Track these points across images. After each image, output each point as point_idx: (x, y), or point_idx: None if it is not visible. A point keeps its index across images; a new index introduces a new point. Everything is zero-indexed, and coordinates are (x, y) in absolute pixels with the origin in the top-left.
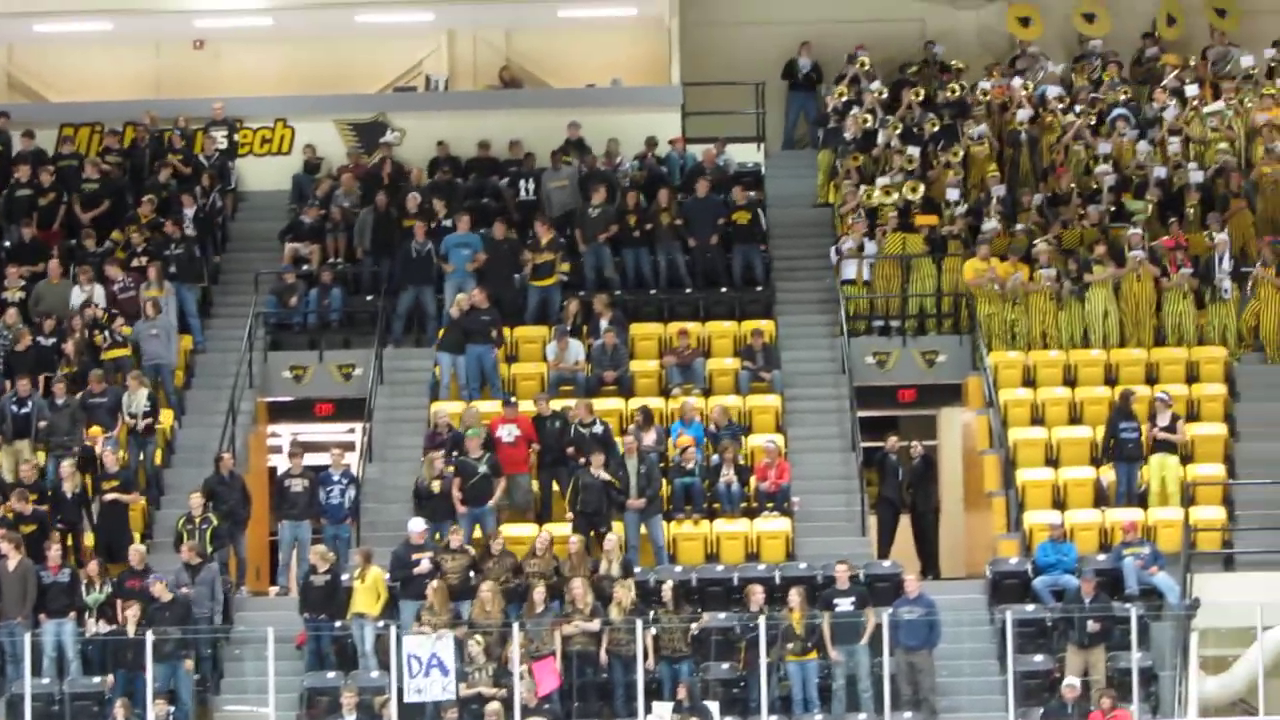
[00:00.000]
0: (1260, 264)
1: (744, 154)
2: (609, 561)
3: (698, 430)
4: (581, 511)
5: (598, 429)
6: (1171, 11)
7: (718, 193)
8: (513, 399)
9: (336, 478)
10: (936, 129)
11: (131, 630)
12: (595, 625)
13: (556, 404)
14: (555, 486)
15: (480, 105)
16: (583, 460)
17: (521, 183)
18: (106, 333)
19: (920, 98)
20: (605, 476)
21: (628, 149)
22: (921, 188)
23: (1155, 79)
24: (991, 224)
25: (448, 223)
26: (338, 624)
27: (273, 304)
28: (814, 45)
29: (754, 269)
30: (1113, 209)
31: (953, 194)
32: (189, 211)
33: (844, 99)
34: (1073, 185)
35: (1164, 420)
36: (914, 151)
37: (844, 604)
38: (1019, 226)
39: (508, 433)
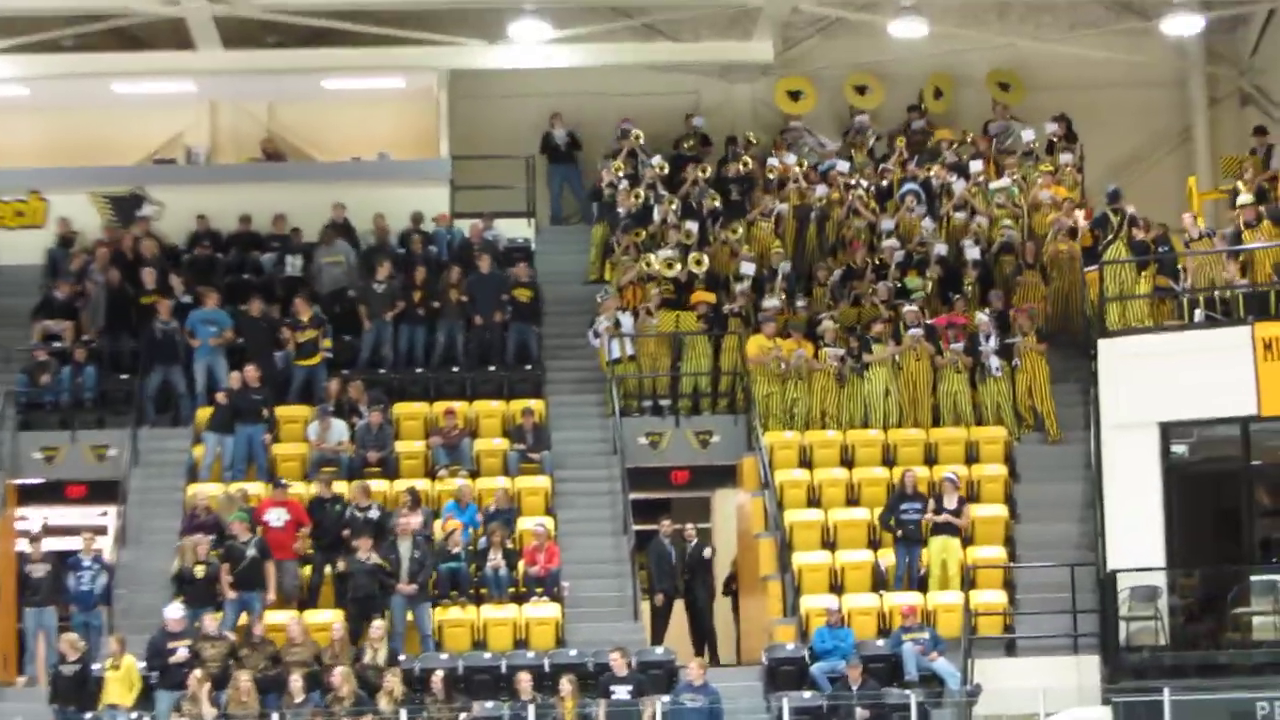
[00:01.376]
0: (1020, 334)
1: (515, 229)
2: (374, 650)
3: (472, 515)
4: (353, 599)
5: (373, 513)
6: (939, 85)
7: (501, 269)
8: (283, 481)
9: (87, 563)
10: (716, 204)
11: None
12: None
13: (337, 487)
14: (328, 570)
15: (242, 178)
16: (353, 545)
17: (288, 258)
18: None
19: (707, 174)
20: (375, 560)
21: (394, 224)
22: (706, 260)
23: (930, 154)
24: (773, 301)
25: (187, 299)
26: (88, 715)
27: (23, 382)
28: (571, 116)
29: (529, 347)
30: (898, 285)
31: (748, 268)
32: None
33: (621, 174)
34: (867, 261)
35: (951, 503)
36: (692, 227)
37: (621, 691)
38: (805, 302)
39: (277, 516)
